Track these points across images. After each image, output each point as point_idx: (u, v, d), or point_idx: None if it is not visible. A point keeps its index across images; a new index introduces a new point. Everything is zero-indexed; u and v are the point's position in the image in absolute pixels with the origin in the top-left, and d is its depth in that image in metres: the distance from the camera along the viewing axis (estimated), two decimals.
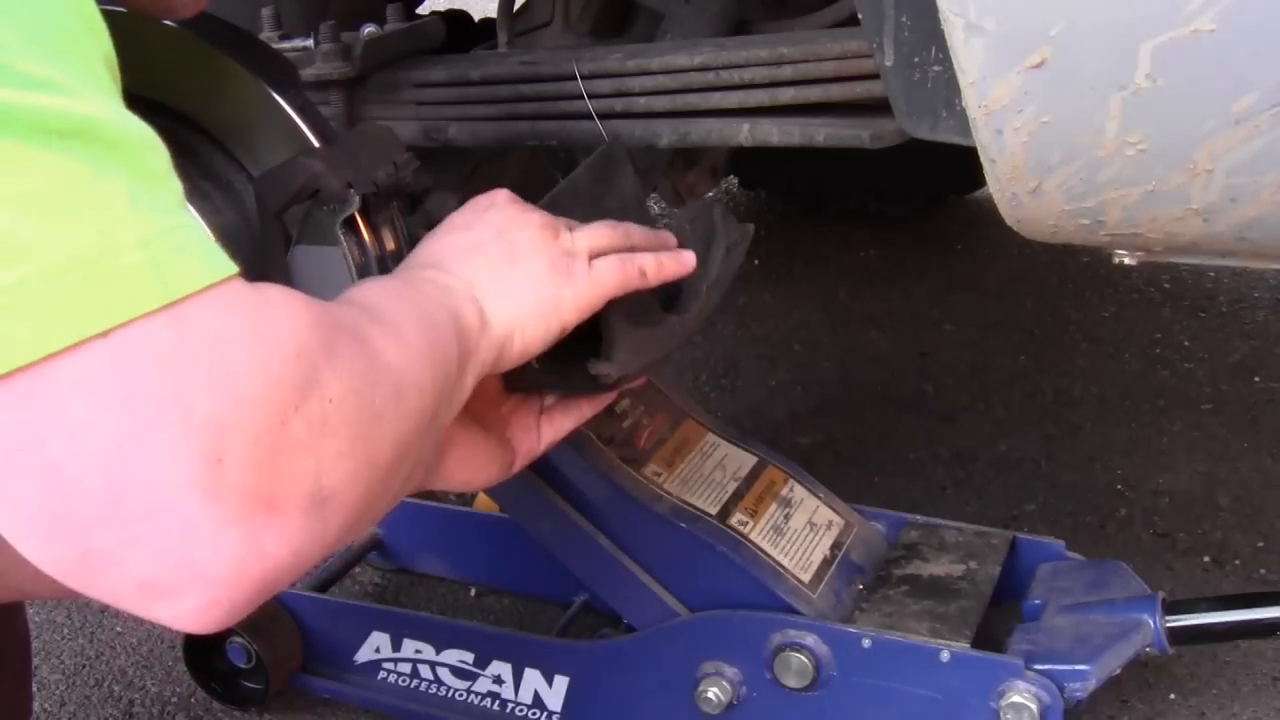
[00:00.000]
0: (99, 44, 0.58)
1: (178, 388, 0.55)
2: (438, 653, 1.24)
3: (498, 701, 1.20)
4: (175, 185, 0.58)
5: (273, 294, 0.60)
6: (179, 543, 0.55)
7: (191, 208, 0.60)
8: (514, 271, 0.82)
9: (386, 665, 1.26)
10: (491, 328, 0.79)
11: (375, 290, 0.74)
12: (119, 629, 1.45)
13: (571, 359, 0.89)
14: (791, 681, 1.07)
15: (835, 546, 1.16)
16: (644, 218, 0.98)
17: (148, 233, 0.55)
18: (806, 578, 1.11)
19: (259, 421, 0.56)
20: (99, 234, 0.53)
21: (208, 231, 0.60)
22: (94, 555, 0.55)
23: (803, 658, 1.06)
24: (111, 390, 0.54)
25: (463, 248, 0.83)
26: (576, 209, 0.92)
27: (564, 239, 0.85)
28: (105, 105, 0.55)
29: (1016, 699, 1.00)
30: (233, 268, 0.58)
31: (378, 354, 0.66)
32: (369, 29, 1.21)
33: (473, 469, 0.89)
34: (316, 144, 0.90)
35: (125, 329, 0.54)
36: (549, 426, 0.93)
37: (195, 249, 0.57)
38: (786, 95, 1.05)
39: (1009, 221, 0.89)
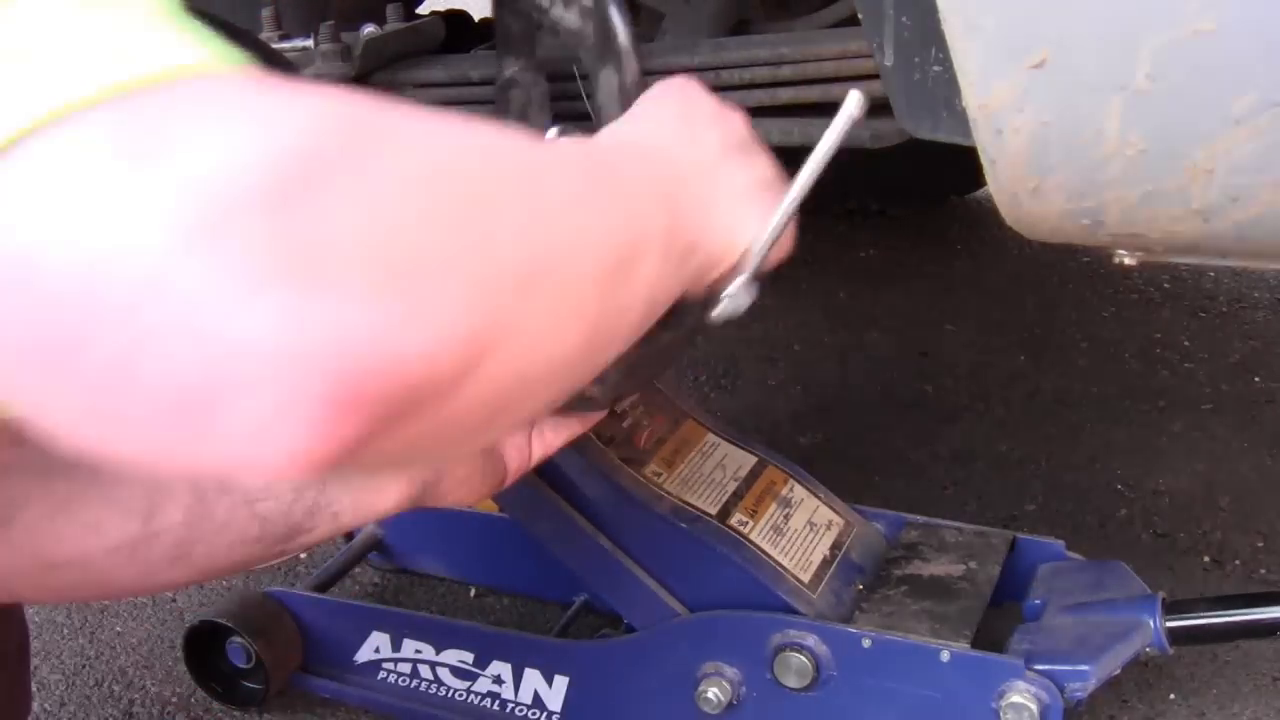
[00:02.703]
0: None
1: (153, 143, 0.41)
2: (437, 653, 1.24)
3: (497, 701, 1.20)
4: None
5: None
6: (195, 321, 0.40)
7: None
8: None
9: (386, 665, 1.26)
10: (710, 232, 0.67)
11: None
12: (119, 629, 1.45)
13: None
14: (791, 681, 1.07)
15: (835, 546, 1.16)
16: None
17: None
18: (806, 578, 1.11)
19: (262, 181, 0.41)
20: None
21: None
22: (105, 381, 0.41)
23: (803, 658, 1.06)
24: (74, 160, 0.41)
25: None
26: None
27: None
28: None
29: (1016, 699, 1.00)
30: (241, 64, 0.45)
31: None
32: (369, 29, 1.21)
33: (466, 487, 0.89)
34: None
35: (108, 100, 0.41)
36: (539, 443, 0.94)
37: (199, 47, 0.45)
38: (786, 95, 1.05)
39: (1009, 221, 0.89)
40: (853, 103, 0.77)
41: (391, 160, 0.45)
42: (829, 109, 1.05)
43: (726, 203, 0.70)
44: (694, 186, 0.68)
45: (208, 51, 0.46)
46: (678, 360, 1.00)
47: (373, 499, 0.85)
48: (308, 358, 0.40)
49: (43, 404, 0.42)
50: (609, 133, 0.71)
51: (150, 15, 0.45)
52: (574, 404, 0.91)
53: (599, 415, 0.97)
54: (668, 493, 1.13)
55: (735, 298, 0.72)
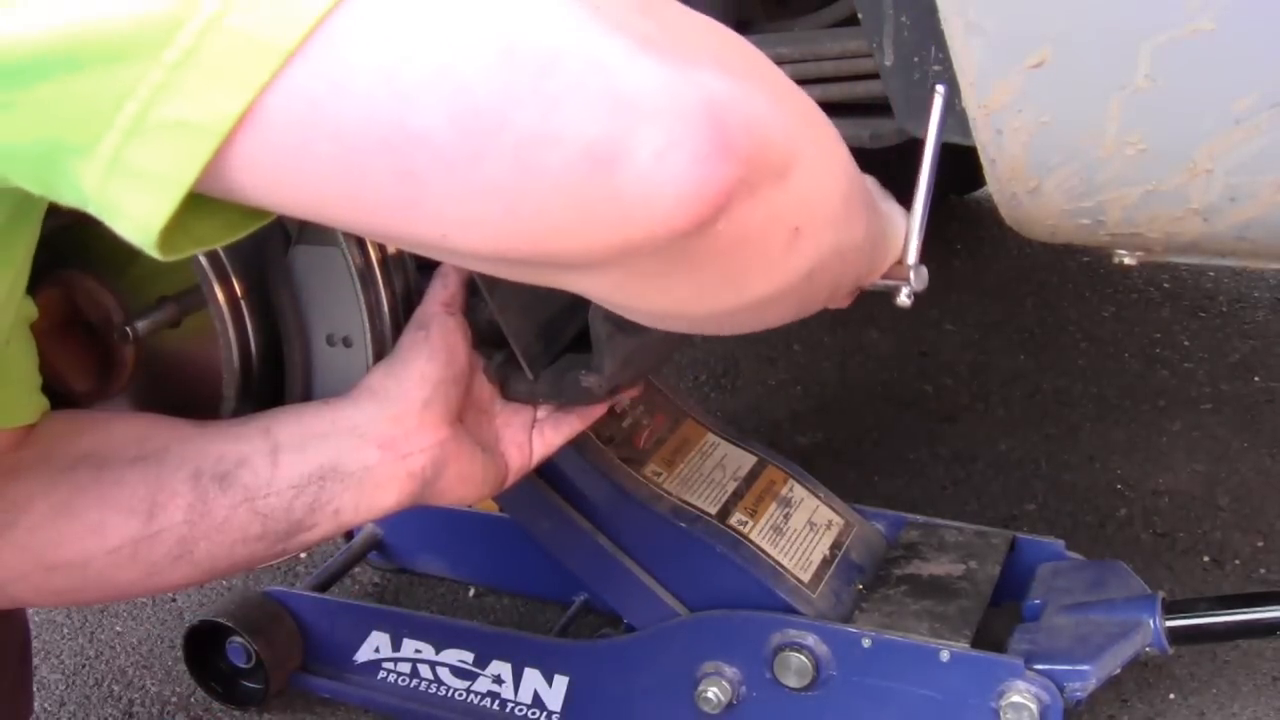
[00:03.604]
0: None
1: None
2: (437, 652, 1.24)
3: (497, 701, 1.20)
4: None
5: None
6: (595, 79, 0.47)
7: None
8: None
9: (386, 665, 1.26)
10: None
11: None
12: (119, 629, 1.45)
13: (564, 371, 0.90)
14: (791, 681, 1.07)
15: (835, 546, 1.16)
16: None
17: None
18: (806, 577, 1.11)
19: None
20: None
21: None
22: (525, 149, 0.47)
23: (802, 657, 1.06)
24: None
25: None
26: None
27: None
28: None
29: (1016, 699, 1.00)
30: None
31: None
32: None
33: (468, 485, 0.89)
34: None
35: None
36: (539, 441, 0.94)
37: None
38: None
39: (1009, 221, 0.89)
40: (940, 97, 0.88)
41: (693, 12, 0.58)
42: (829, 109, 1.05)
43: (883, 205, 0.82)
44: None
45: None
46: (673, 354, 1.00)
47: (373, 496, 0.85)
48: (689, 100, 0.48)
49: (458, 199, 0.48)
50: None
51: None
52: (575, 396, 0.91)
53: (598, 412, 0.97)
54: (667, 492, 1.13)
55: (920, 272, 0.87)
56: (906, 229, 0.85)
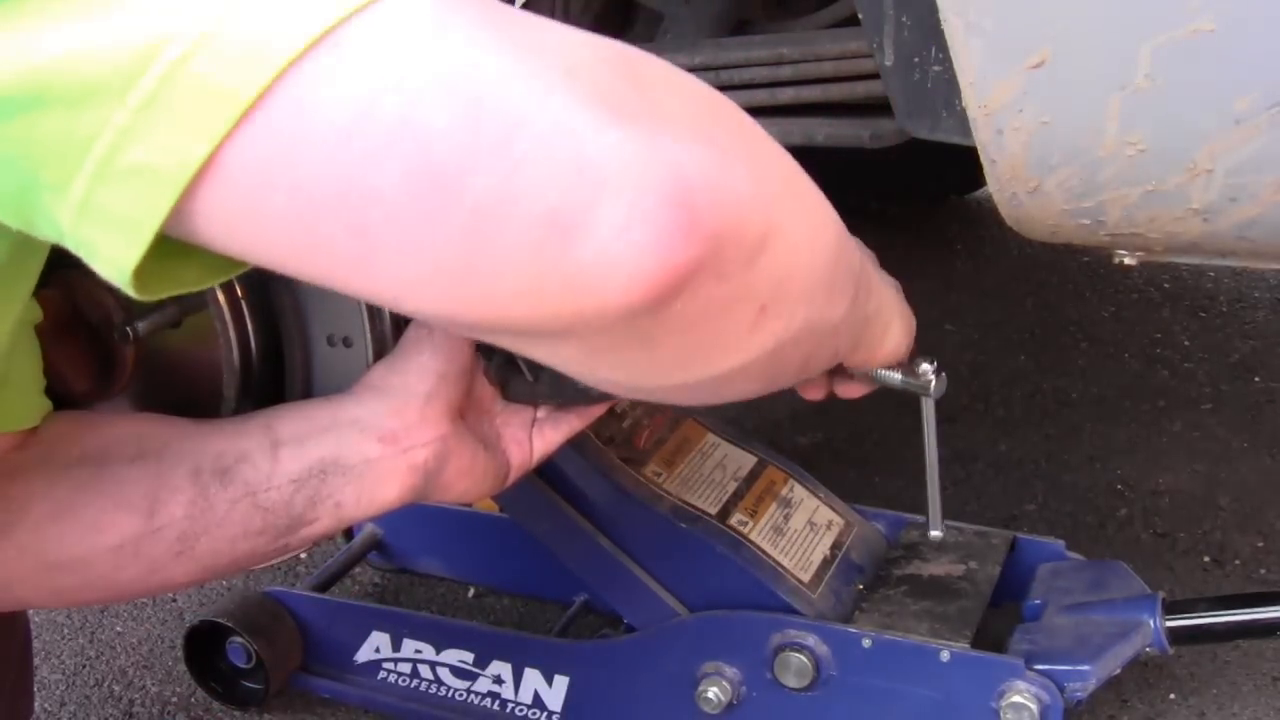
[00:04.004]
0: None
1: (503, 16, 0.48)
2: (438, 653, 1.24)
3: (498, 701, 1.20)
4: None
5: None
6: (560, 147, 0.45)
7: None
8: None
9: (386, 665, 1.26)
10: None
11: None
12: (119, 629, 1.45)
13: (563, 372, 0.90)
14: (791, 681, 1.07)
15: (835, 546, 1.16)
16: None
17: None
18: (806, 578, 1.11)
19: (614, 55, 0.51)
20: None
21: None
22: (481, 213, 0.46)
23: (803, 658, 1.06)
24: (426, 23, 0.46)
25: None
26: None
27: None
28: None
29: (1017, 699, 1.00)
30: None
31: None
32: None
33: (470, 481, 0.89)
34: None
35: None
36: (539, 440, 0.94)
37: None
38: (786, 95, 1.05)
39: (1009, 221, 0.89)
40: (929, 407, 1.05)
41: (674, 68, 0.56)
42: (829, 109, 1.06)
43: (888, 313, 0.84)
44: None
45: None
46: None
47: (375, 490, 0.85)
48: (658, 175, 0.46)
49: (411, 257, 0.47)
50: None
51: None
52: (574, 396, 0.91)
53: (598, 411, 0.97)
54: (667, 493, 1.13)
55: (939, 381, 1.00)
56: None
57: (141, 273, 0.48)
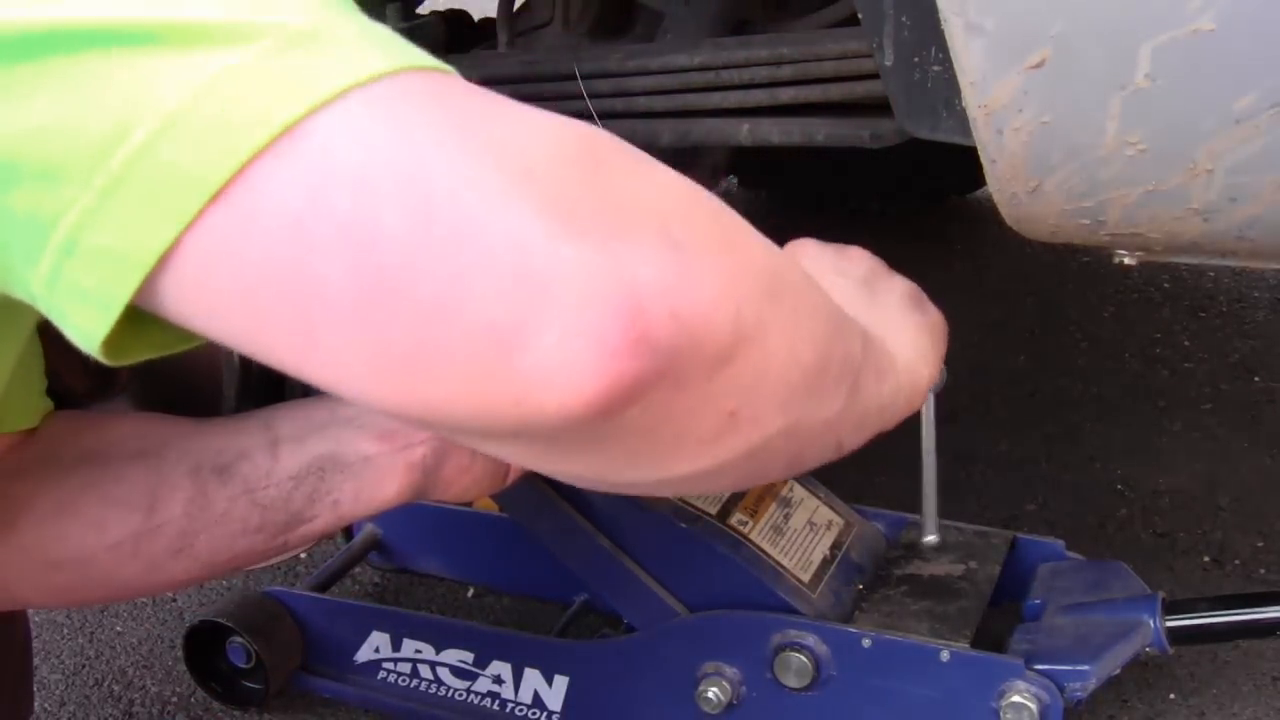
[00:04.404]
0: None
1: (466, 115, 0.47)
2: (437, 652, 1.24)
3: (497, 701, 1.20)
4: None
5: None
6: (510, 256, 0.44)
7: None
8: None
9: (386, 665, 1.26)
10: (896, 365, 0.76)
11: None
12: (119, 629, 1.45)
13: None
14: (791, 681, 1.07)
15: (835, 546, 1.16)
16: None
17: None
18: (806, 578, 1.11)
19: (581, 152, 0.49)
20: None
21: None
22: (424, 318, 0.46)
23: (803, 658, 1.06)
24: (389, 121, 0.46)
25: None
26: None
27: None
28: None
29: (1017, 699, 1.00)
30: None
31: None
32: None
33: (469, 479, 0.89)
34: None
35: (402, 75, 0.47)
36: None
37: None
38: (786, 95, 1.05)
39: (1009, 221, 0.89)
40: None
41: (646, 160, 0.54)
42: (829, 109, 1.06)
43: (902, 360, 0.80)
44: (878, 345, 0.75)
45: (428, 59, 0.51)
46: None
47: (373, 487, 0.85)
48: (605, 288, 0.45)
49: (352, 353, 0.47)
50: None
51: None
52: None
53: None
54: None
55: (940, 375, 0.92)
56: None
57: (112, 340, 0.49)
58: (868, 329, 0.72)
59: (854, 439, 0.76)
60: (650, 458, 0.54)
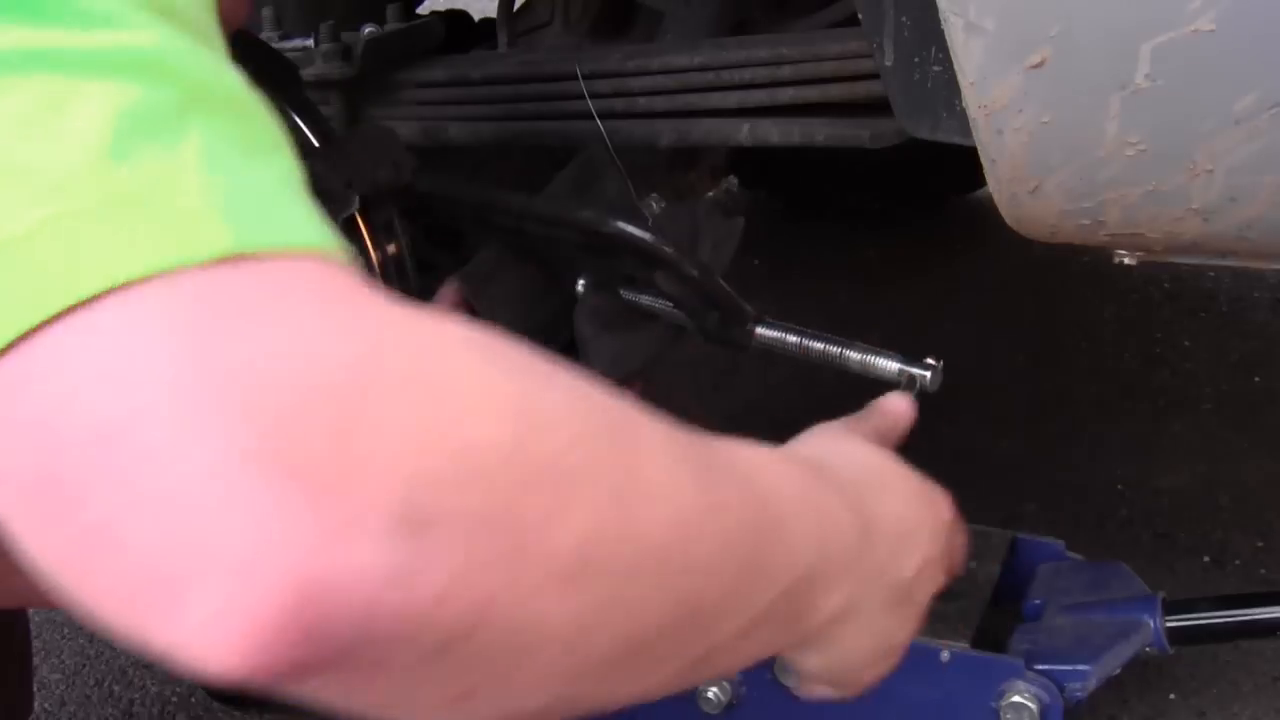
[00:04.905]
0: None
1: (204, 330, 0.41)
2: None
3: None
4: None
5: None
6: (179, 506, 0.40)
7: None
8: None
9: None
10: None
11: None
12: None
13: None
14: (791, 681, 1.07)
15: None
16: (636, 220, 0.98)
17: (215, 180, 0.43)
18: None
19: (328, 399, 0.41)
20: (151, 175, 0.43)
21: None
22: (88, 538, 0.42)
23: None
24: (125, 333, 0.41)
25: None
26: None
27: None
28: (176, 42, 0.45)
29: (1017, 699, 1.00)
30: (335, 247, 0.43)
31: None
32: (369, 29, 1.21)
33: None
34: (316, 144, 0.90)
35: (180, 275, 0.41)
36: None
37: (286, 210, 0.44)
38: (786, 95, 1.05)
39: (1009, 221, 0.89)
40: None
41: (445, 373, 0.43)
42: (829, 109, 1.06)
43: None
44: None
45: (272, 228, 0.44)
46: (665, 354, 1.01)
47: None
48: (279, 568, 0.39)
49: (34, 542, 0.44)
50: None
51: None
52: None
53: None
54: None
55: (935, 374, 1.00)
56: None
57: None
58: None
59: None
60: (384, 711, 0.47)
